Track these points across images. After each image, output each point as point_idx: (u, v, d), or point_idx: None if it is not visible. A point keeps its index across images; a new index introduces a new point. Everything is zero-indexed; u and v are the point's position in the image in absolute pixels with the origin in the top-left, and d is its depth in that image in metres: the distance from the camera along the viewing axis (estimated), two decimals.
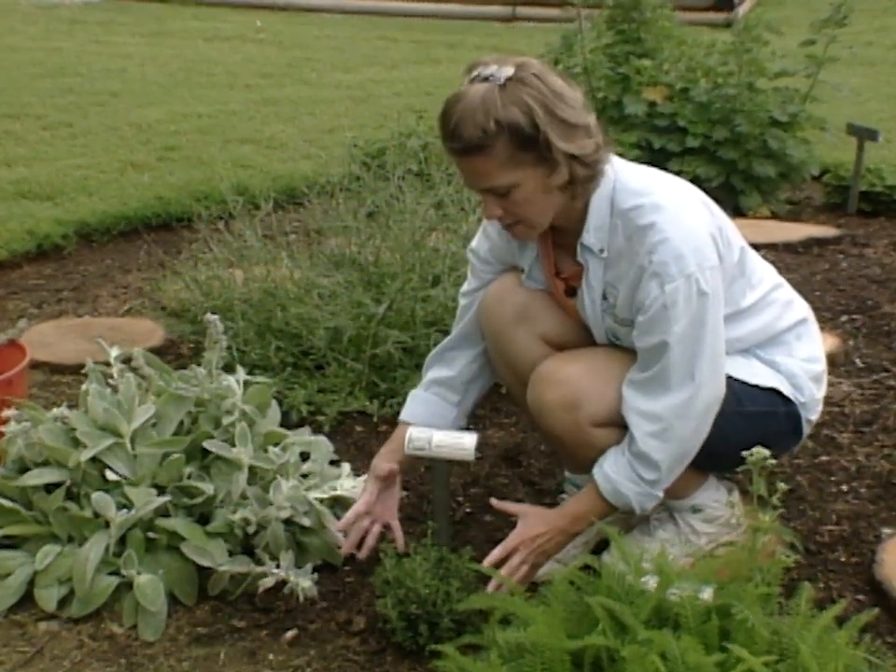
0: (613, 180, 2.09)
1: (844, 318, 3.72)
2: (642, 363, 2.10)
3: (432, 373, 2.41)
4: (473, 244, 2.37)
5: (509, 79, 1.96)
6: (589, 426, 2.13)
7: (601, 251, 2.11)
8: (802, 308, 2.34)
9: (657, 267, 2.01)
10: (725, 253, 2.11)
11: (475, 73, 2.00)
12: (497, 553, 2.14)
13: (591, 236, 2.11)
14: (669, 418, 2.06)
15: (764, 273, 2.29)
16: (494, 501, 2.25)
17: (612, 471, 2.11)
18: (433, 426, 2.27)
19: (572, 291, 2.23)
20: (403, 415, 2.38)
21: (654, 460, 2.08)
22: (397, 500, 2.33)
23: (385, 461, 2.30)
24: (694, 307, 2.02)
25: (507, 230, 2.15)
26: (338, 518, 2.35)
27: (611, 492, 2.11)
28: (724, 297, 2.11)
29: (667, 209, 2.04)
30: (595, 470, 2.13)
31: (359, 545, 2.30)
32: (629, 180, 2.10)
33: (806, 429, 2.30)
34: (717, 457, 2.19)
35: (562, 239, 2.21)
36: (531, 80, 1.97)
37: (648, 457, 2.08)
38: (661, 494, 2.14)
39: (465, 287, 2.41)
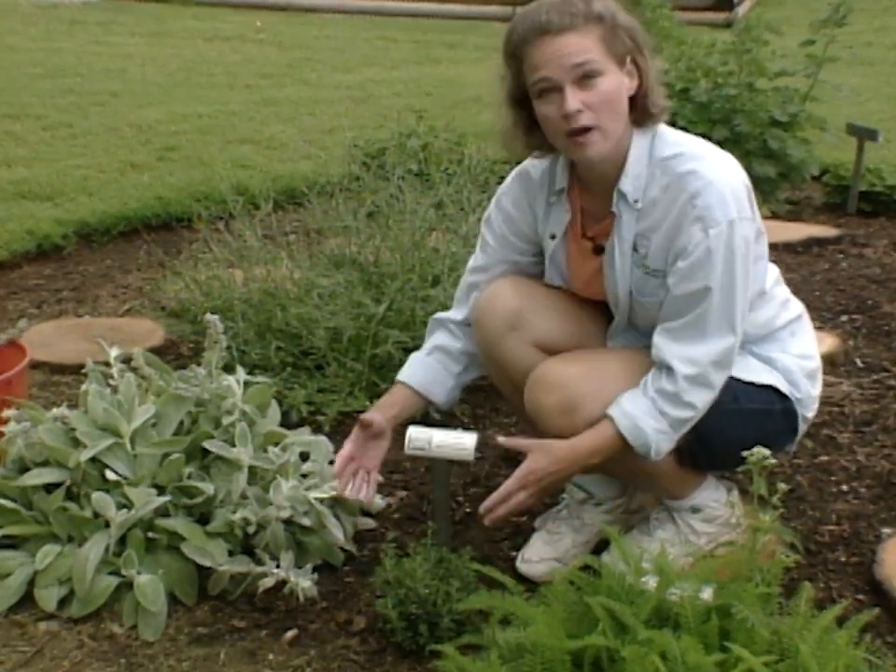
0: (653, 132, 2.12)
1: (844, 318, 3.72)
2: (677, 312, 2.08)
3: (436, 338, 2.36)
4: (487, 214, 2.33)
5: None
6: (586, 429, 2.11)
7: (636, 202, 2.10)
8: (797, 306, 2.34)
9: (701, 211, 2.01)
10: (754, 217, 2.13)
11: None
12: (497, 495, 2.08)
13: (628, 183, 2.10)
14: (705, 364, 2.05)
15: (769, 266, 2.29)
16: (501, 439, 2.17)
17: (631, 407, 2.07)
18: (430, 391, 2.28)
19: (599, 250, 2.22)
20: (402, 376, 2.33)
21: (687, 401, 2.05)
22: (382, 452, 2.27)
23: (372, 413, 2.26)
24: (735, 254, 2.03)
25: (576, 136, 2.04)
26: (338, 518, 2.36)
27: (630, 427, 2.06)
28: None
29: (707, 158, 2.08)
30: (612, 410, 2.08)
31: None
32: (668, 133, 2.14)
33: (803, 427, 2.30)
34: (715, 456, 2.19)
35: (591, 201, 2.19)
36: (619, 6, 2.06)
37: (679, 397, 2.05)
38: (676, 437, 2.10)
39: (471, 263, 2.37)
